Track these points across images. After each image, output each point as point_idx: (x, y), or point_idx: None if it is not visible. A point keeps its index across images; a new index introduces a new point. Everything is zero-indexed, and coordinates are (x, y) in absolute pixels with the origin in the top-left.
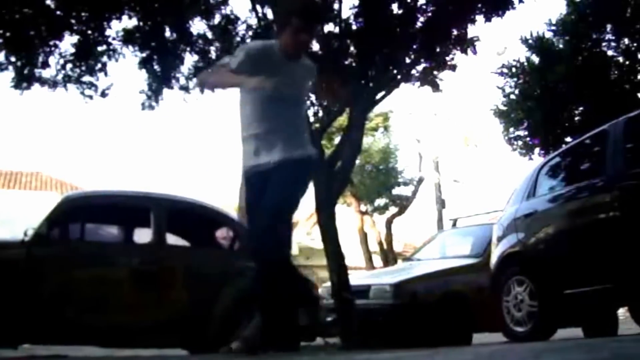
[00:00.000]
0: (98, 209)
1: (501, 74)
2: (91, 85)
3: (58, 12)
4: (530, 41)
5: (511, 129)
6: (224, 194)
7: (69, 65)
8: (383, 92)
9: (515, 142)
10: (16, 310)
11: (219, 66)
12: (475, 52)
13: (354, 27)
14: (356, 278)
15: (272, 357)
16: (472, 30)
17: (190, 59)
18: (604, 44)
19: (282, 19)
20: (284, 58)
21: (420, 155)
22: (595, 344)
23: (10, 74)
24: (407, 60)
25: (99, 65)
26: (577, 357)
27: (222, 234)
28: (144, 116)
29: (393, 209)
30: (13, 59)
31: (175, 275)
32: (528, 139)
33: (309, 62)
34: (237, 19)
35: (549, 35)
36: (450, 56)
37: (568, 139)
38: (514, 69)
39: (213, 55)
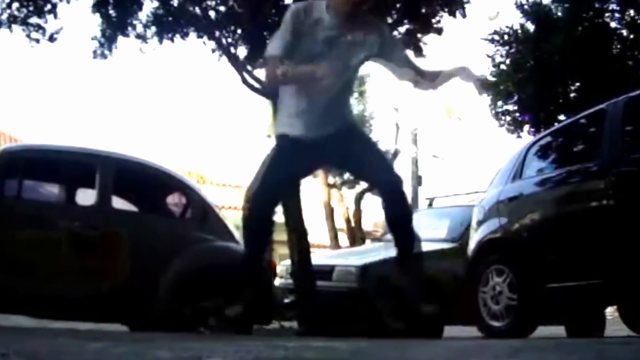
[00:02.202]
0: (38, 164)
1: (492, 41)
2: (39, 27)
3: None
4: (526, 7)
5: (499, 103)
6: (179, 157)
7: (15, 5)
8: None
9: (504, 117)
10: None
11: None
12: (464, 15)
13: None
14: (319, 257)
15: (224, 340)
16: None
17: (149, 5)
18: (607, 14)
19: None
20: (334, 20)
21: (398, 126)
22: (579, 345)
23: None
24: (390, 20)
25: (49, 7)
26: (558, 358)
27: (174, 200)
28: (95, 65)
29: (364, 184)
30: None
31: (120, 242)
32: (517, 114)
33: (372, 20)
34: None
35: (547, 1)
36: (437, 18)
37: (561, 117)
38: (506, 37)
39: (175, 2)
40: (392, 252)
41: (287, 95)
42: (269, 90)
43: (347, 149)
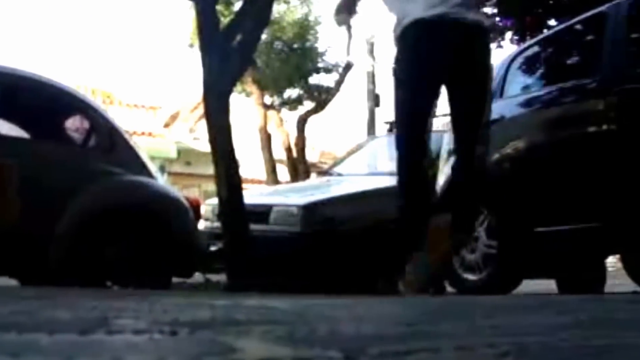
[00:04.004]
0: None
1: None
2: None
3: None
4: None
5: None
6: (80, 71)
7: None
8: None
9: None
10: None
11: None
12: None
13: None
14: (253, 195)
15: (136, 296)
16: None
17: None
18: None
19: None
20: None
21: (350, 34)
22: (573, 303)
23: None
24: None
25: None
26: (545, 320)
27: (74, 124)
28: None
29: (309, 104)
30: None
31: (6, 176)
32: (497, 19)
33: None
34: None
35: None
36: None
37: (552, 22)
38: None
39: None
40: (344, 188)
41: None
42: None
43: None
